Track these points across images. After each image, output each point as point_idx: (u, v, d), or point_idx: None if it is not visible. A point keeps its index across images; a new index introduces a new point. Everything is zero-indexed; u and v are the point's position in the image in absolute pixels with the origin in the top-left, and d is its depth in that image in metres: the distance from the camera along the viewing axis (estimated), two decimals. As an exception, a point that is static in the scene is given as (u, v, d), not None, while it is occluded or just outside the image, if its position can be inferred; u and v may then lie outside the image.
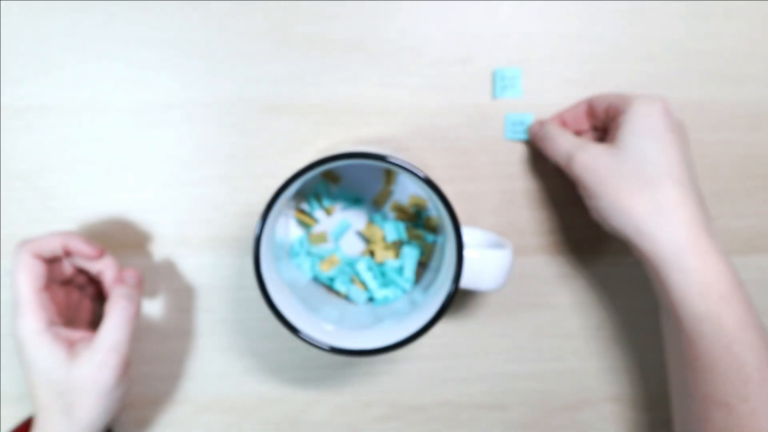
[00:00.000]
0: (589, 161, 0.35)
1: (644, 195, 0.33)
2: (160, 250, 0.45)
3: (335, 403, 0.46)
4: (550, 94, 0.44)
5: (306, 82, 0.44)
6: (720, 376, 0.32)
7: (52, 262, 0.39)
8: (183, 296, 0.45)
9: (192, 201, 0.44)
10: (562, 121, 0.42)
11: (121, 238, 0.45)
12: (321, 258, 0.44)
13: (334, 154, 0.35)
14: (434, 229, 0.44)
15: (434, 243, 0.44)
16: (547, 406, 0.46)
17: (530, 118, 0.43)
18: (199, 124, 0.44)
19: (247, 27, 0.43)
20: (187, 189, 0.44)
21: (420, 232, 0.44)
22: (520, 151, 0.44)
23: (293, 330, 0.36)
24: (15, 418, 0.45)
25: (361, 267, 0.43)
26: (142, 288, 0.40)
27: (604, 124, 0.40)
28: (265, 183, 0.44)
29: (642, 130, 0.34)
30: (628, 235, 0.34)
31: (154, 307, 0.45)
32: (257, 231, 0.35)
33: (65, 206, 0.44)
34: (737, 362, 0.31)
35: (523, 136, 0.43)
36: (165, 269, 0.45)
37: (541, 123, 0.41)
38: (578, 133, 0.42)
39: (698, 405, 0.33)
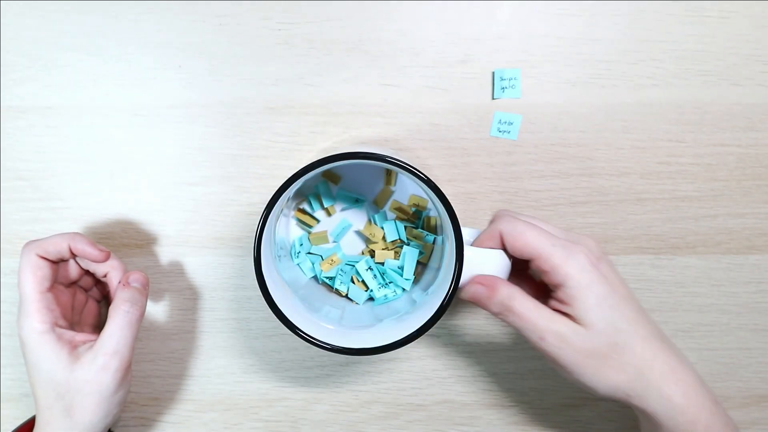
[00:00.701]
0: (564, 346, 0.35)
1: (623, 363, 0.35)
2: (161, 250, 0.45)
3: (335, 402, 0.46)
4: (549, 95, 0.44)
5: (306, 82, 0.44)
6: None
7: (58, 263, 0.39)
8: (184, 296, 0.45)
9: (193, 201, 0.45)
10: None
11: (123, 238, 0.45)
12: (321, 258, 0.44)
13: (334, 154, 0.35)
14: (434, 229, 0.44)
15: (434, 243, 0.44)
16: (546, 404, 0.46)
17: (519, 119, 0.44)
18: (199, 124, 0.44)
19: (247, 27, 0.44)
20: (188, 189, 0.44)
21: (420, 231, 0.44)
22: (519, 152, 0.44)
23: (293, 329, 0.36)
24: (15, 418, 0.45)
25: (361, 266, 0.43)
26: (148, 291, 0.41)
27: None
28: (266, 183, 0.44)
29: (598, 304, 0.34)
30: (615, 399, 0.36)
31: (155, 307, 0.45)
32: (257, 231, 0.35)
33: (66, 206, 0.44)
34: None
35: (509, 135, 0.44)
36: (166, 269, 0.45)
37: (492, 286, 0.35)
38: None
39: None
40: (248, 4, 0.43)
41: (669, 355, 0.36)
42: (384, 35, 0.44)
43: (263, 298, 0.36)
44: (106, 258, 0.39)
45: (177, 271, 0.45)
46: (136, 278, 0.40)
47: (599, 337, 0.35)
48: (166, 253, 0.45)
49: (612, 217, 0.45)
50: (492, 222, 0.38)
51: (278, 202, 0.35)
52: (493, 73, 0.44)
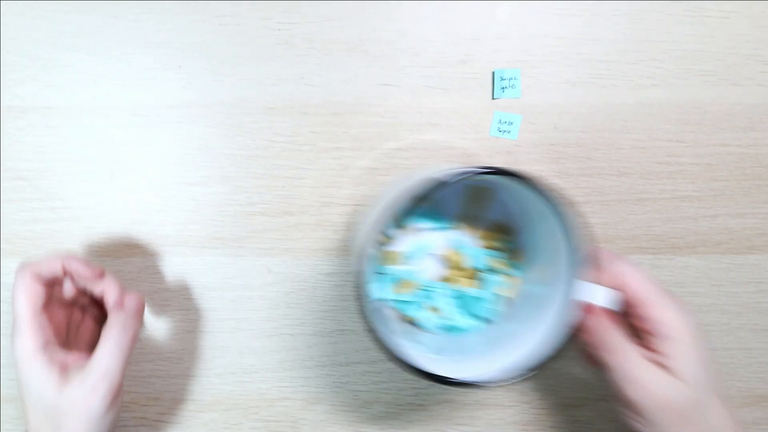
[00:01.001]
0: (654, 396, 0.35)
1: (701, 421, 0.35)
2: (161, 250, 0.45)
3: (335, 402, 0.46)
4: (549, 95, 0.44)
5: (306, 82, 0.44)
6: None
7: (52, 283, 0.39)
8: (184, 296, 0.45)
9: (193, 201, 0.45)
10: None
11: (123, 238, 0.45)
12: (392, 279, 0.41)
13: (474, 169, 0.32)
14: (518, 260, 0.41)
15: (517, 275, 0.41)
16: (546, 404, 0.46)
17: (519, 119, 0.44)
18: (199, 124, 0.44)
19: (247, 27, 0.44)
20: (188, 189, 0.44)
21: (505, 261, 0.41)
22: (519, 152, 0.44)
23: (395, 357, 0.34)
24: (15, 418, 0.45)
25: (440, 294, 0.41)
26: (143, 315, 0.40)
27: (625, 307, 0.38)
28: (266, 183, 0.44)
29: (697, 360, 0.35)
30: None
31: (155, 307, 0.45)
32: (371, 242, 0.33)
33: (66, 206, 0.44)
34: None
35: (509, 135, 0.43)
36: (166, 269, 0.45)
37: (598, 315, 0.36)
38: None
39: None
40: (248, 4, 0.43)
41: (729, 412, 0.36)
42: (384, 35, 0.44)
43: (369, 331, 0.33)
44: (100, 277, 0.39)
45: (177, 271, 0.45)
46: (129, 301, 0.39)
47: (691, 393, 0.35)
48: (166, 253, 0.45)
49: (612, 217, 0.45)
50: (598, 260, 0.37)
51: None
52: (493, 73, 0.44)
